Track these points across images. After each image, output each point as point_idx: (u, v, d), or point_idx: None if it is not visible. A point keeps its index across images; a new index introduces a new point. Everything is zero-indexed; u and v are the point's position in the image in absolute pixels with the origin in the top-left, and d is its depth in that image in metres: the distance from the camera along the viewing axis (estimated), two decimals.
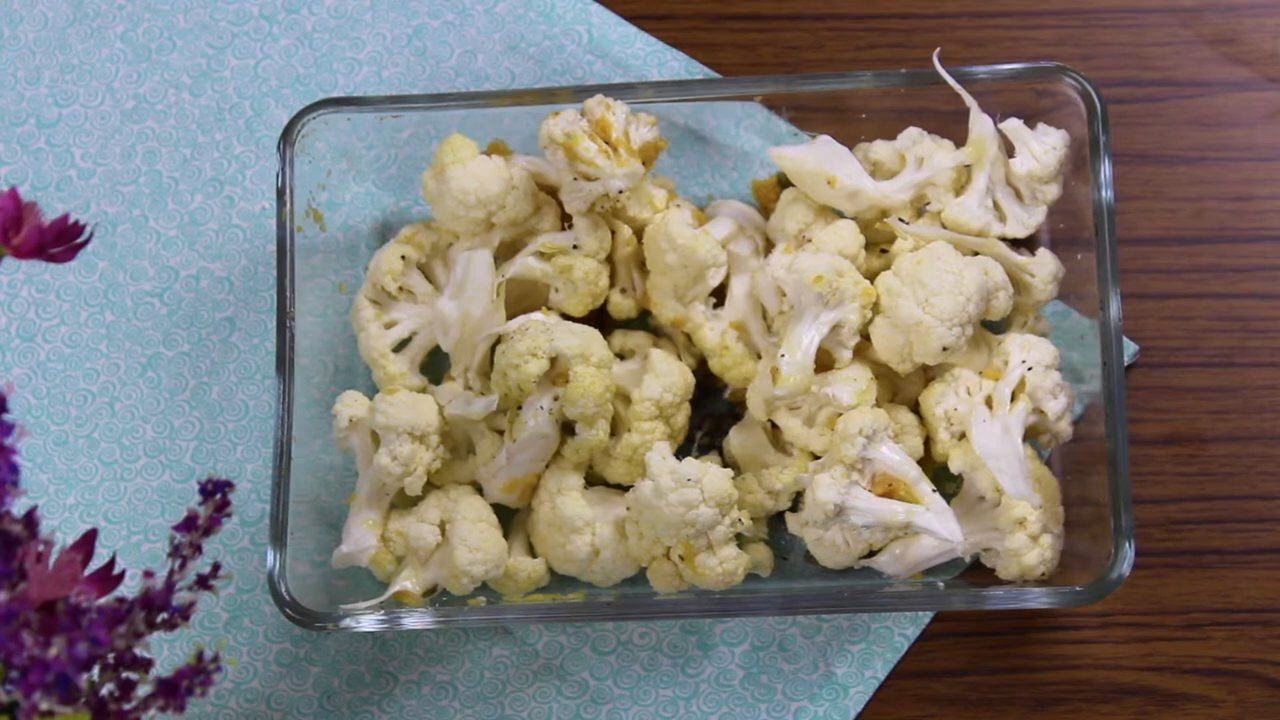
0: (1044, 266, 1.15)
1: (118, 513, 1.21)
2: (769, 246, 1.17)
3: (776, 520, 1.17)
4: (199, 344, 1.23)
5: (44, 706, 0.83)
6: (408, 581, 1.13)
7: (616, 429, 1.14)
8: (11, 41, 1.27)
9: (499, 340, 1.14)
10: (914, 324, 1.10)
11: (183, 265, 1.24)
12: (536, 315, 1.14)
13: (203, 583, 0.93)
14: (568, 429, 1.13)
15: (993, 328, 1.17)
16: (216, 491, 0.94)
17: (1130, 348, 1.21)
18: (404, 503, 1.16)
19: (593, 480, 1.16)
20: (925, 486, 1.10)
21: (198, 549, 0.93)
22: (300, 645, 1.19)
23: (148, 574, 0.91)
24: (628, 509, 1.11)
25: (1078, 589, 1.08)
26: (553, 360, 1.11)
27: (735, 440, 1.16)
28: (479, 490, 1.16)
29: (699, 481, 1.08)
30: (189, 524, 0.93)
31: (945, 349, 1.10)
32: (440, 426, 1.14)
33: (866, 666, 1.18)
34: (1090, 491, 1.11)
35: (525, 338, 1.11)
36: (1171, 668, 1.18)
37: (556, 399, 1.11)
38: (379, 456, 1.12)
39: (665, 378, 1.13)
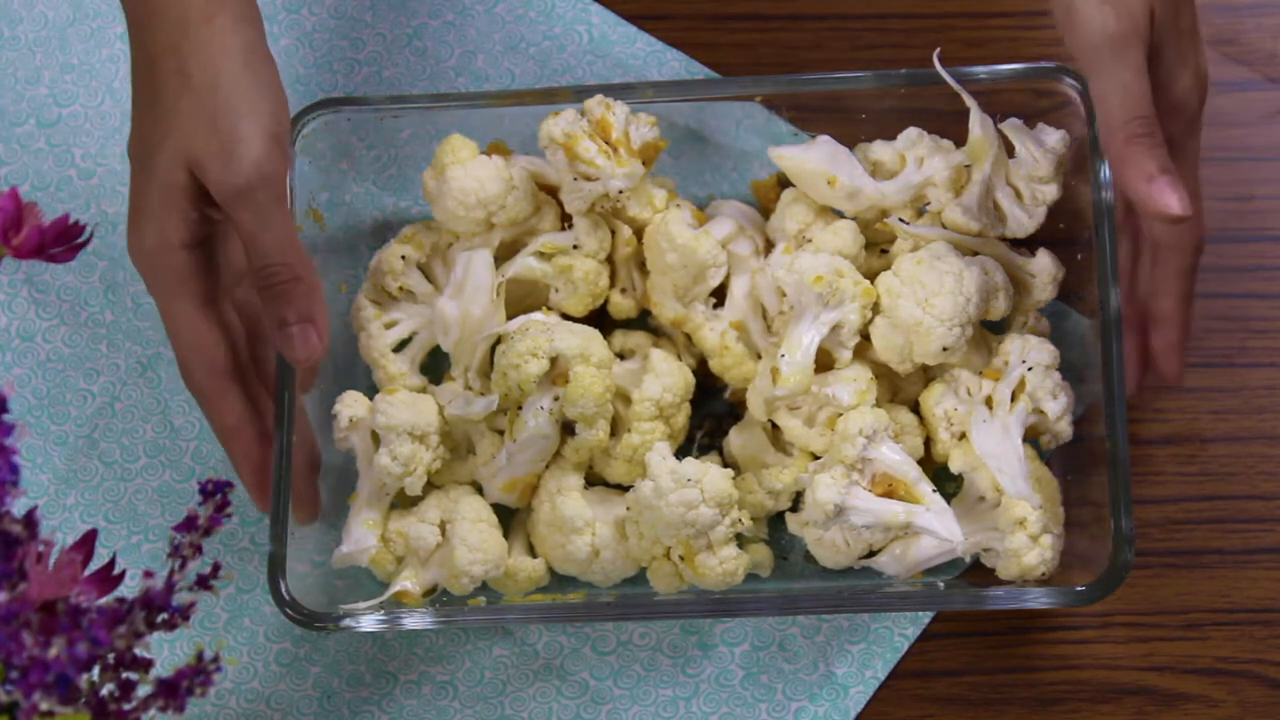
0: (1044, 266, 1.15)
1: (118, 513, 1.20)
2: (769, 246, 1.17)
3: (776, 520, 1.16)
4: None
5: (44, 706, 0.83)
6: (408, 581, 1.13)
7: (616, 429, 1.14)
8: (11, 41, 1.27)
9: (499, 340, 1.14)
10: (914, 324, 1.10)
11: None
12: (536, 315, 1.14)
13: (203, 583, 0.93)
14: (568, 429, 1.13)
15: (993, 328, 1.17)
16: (216, 491, 0.94)
17: None
18: (404, 503, 1.16)
19: (593, 480, 1.16)
20: (925, 486, 1.10)
21: (198, 549, 0.93)
22: (300, 645, 1.19)
23: (148, 574, 0.91)
24: (628, 509, 1.11)
25: (1078, 589, 1.07)
26: (553, 360, 1.11)
27: (735, 440, 1.16)
28: (479, 490, 1.16)
29: (699, 481, 1.08)
30: (189, 524, 0.93)
31: (945, 349, 1.10)
32: (440, 426, 1.14)
33: (866, 666, 1.18)
34: (1090, 491, 1.11)
35: (525, 338, 1.11)
36: (1171, 668, 1.18)
37: (556, 399, 1.11)
38: (379, 456, 1.12)
39: (665, 378, 1.13)
